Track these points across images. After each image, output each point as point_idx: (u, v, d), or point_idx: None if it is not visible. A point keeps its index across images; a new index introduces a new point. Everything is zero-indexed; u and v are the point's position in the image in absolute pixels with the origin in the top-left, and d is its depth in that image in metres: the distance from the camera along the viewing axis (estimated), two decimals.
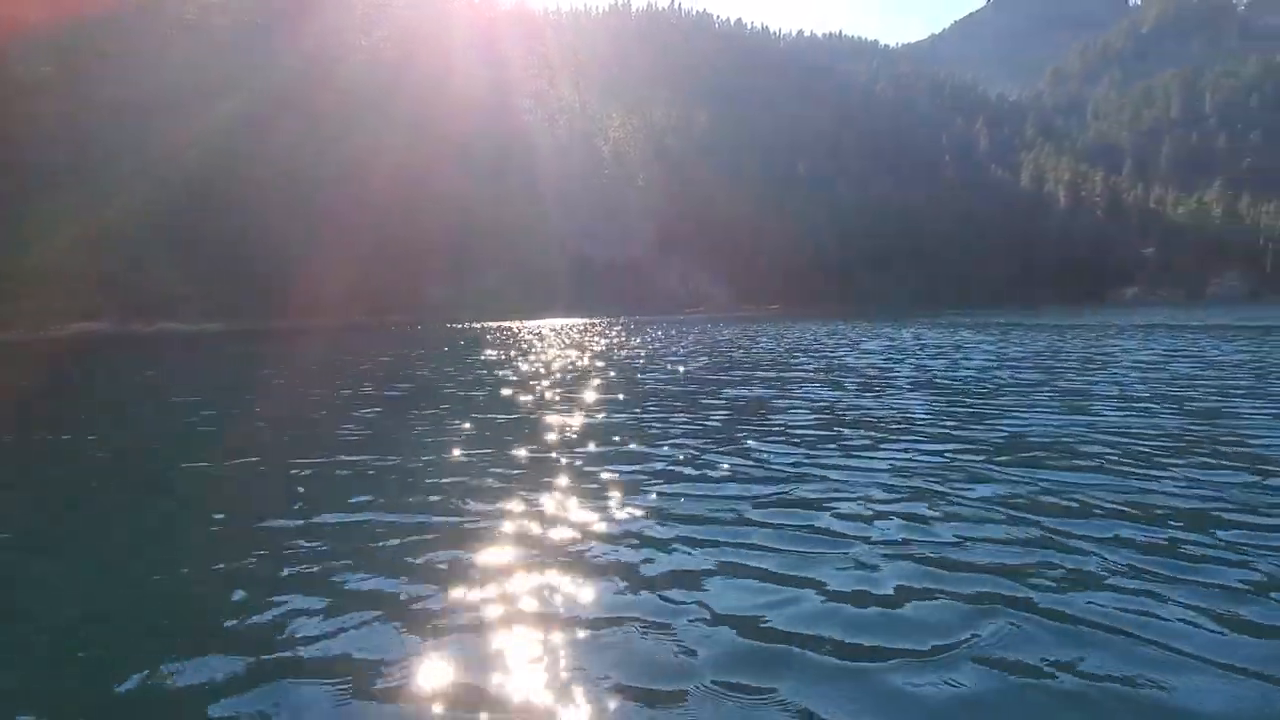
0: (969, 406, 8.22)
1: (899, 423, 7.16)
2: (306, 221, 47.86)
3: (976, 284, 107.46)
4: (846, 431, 6.75)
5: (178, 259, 42.19)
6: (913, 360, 14.55)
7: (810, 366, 13.66)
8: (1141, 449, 5.74)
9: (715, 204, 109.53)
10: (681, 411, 8.15)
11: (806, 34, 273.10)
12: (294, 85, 50.05)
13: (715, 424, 7.29)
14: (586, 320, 52.20)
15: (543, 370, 13.76)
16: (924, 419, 7.38)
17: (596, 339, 26.36)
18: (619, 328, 37.57)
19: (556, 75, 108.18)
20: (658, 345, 21.70)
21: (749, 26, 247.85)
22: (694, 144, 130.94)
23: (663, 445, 6.14)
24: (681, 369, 13.57)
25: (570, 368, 14.29)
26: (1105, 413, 7.61)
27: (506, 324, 46.46)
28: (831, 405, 8.42)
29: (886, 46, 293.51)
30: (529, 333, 33.24)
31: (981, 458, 5.49)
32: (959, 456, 5.56)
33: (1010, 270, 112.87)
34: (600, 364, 14.98)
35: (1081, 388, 9.70)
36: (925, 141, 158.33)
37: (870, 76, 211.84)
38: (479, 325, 45.01)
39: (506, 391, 10.37)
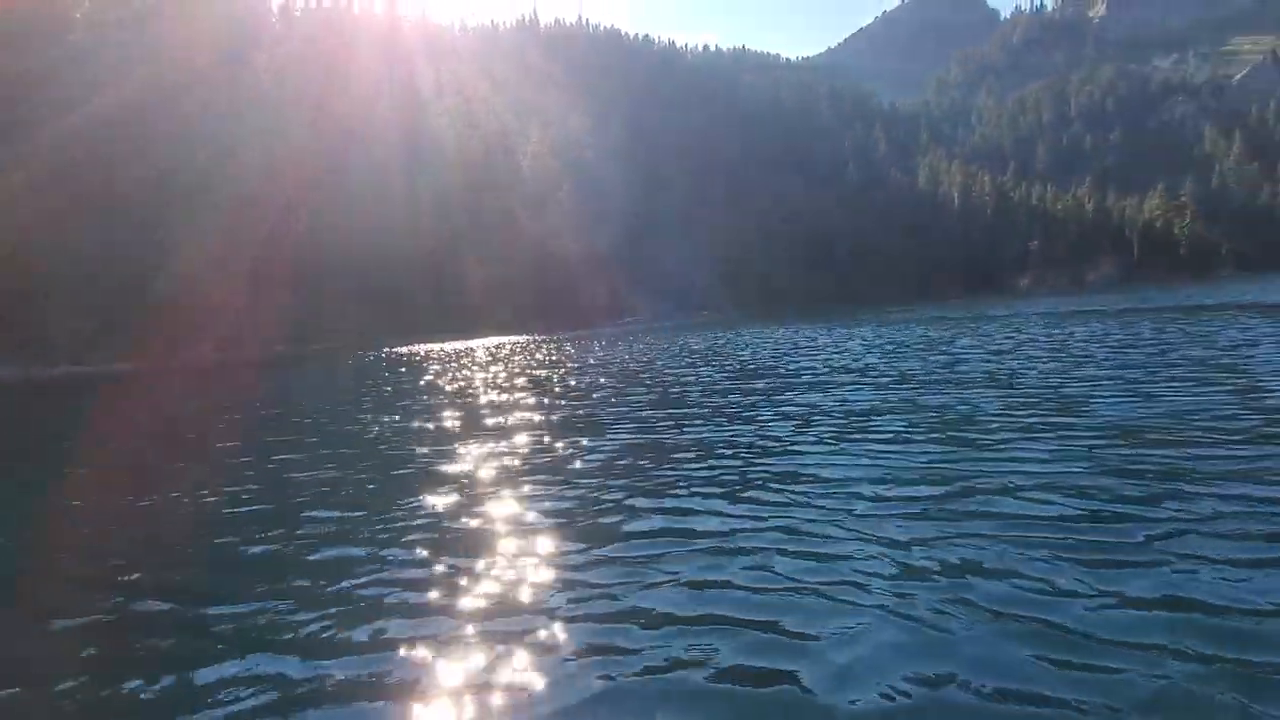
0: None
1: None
2: (211, 247, 44.96)
3: (888, 282, 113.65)
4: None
5: (75, 291, 38.64)
6: (871, 359, 15.40)
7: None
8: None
9: (638, 215, 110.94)
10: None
11: (712, 48, 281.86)
12: (187, 97, 47.07)
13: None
14: (514, 338, 51.44)
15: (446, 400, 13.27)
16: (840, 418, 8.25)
17: (511, 362, 24.68)
18: (546, 344, 37.26)
19: (470, 90, 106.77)
20: (579, 365, 21.28)
21: (657, 42, 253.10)
22: (612, 156, 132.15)
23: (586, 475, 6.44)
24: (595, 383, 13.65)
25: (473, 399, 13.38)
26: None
27: (431, 346, 45.22)
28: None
29: (788, 59, 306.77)
30: (451, 356, 32.49)
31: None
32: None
33: (917, 267, 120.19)
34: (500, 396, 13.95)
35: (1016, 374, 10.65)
36: (829, 148, 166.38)
37: (775, 88, 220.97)
38: (402, 350, 43.64)
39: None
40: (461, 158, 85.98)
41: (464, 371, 20.67)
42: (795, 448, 6.83)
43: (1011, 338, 18.43)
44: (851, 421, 7.95)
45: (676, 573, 3.83)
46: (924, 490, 5.08)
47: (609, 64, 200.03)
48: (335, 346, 48.24)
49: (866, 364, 14.04)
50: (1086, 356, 12.75)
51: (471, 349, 37.91)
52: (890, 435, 7.03)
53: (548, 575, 3.95)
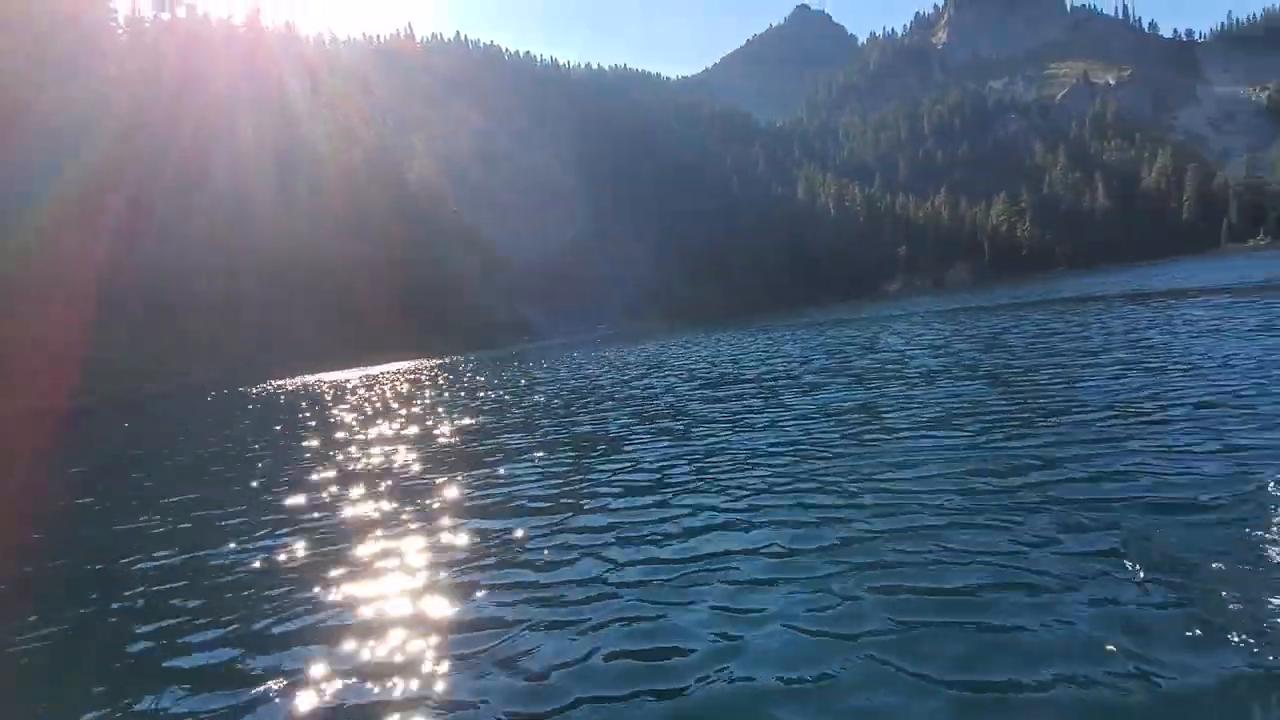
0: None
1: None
2: (40, 270, 39.66)
3: (777, 290, 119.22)
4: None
5: None
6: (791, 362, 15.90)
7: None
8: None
9: (534, 232, 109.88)
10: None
11: (595, 66, 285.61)
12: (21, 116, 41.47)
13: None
14: (405, 364, 49.10)
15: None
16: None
17: (381, 397, 21.54)
18: (436, 371, 35.63)
19: (347, 104, 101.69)
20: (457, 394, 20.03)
21: (539, 59, 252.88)
22: (503, 172, 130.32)
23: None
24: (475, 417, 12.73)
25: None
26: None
27: (318, 377, 42.31)
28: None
29: (667, 79, 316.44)
30: (325, 389, 30.58)
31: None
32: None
33: (803, 275, 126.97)
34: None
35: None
36: (714, 165, 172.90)
37: (660, 107, 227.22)
38: (285, 382, 40.55)
39: None
40: (341, 173, 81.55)
41: (318, 413, 18.15)
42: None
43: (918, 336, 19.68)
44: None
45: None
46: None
47: (490, 80, 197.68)
48: (195, 383, 43.73)
49: (765, 373, 14.45)
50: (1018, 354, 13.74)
51: (349, 380, 35.68)
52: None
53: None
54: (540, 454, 8.27)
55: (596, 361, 25.46)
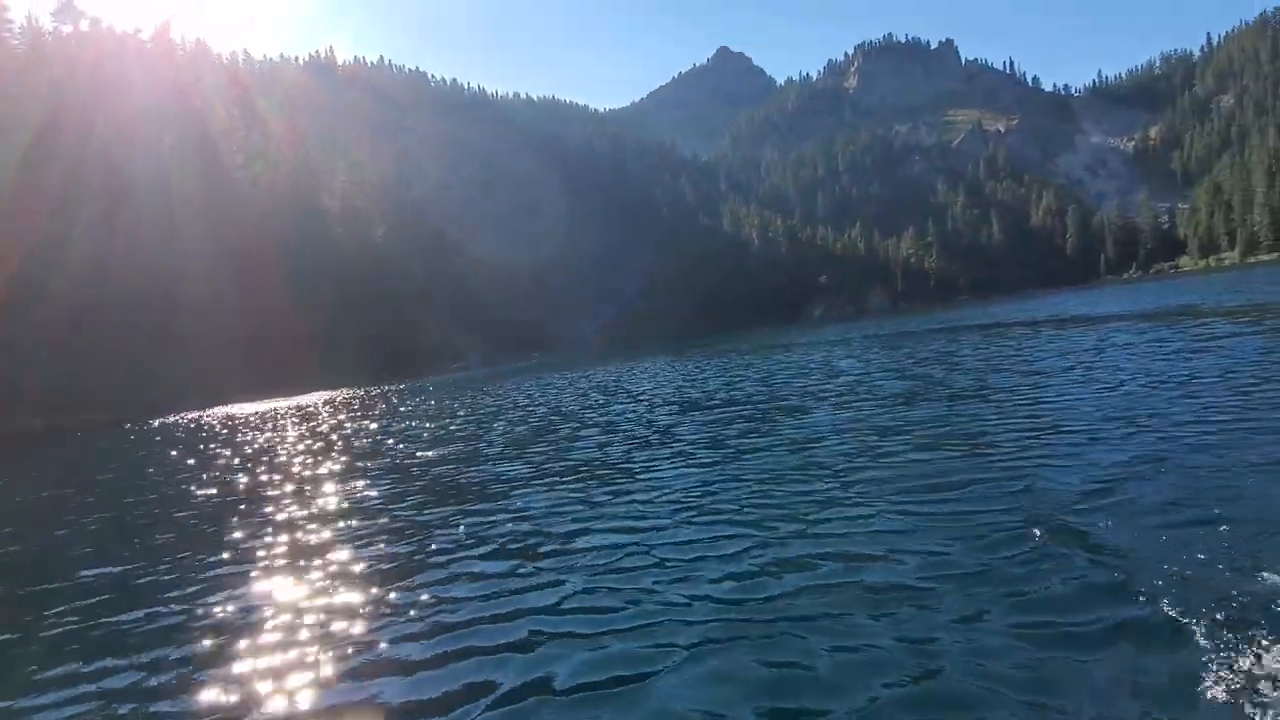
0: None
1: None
2: None
3: (711, 316, 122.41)
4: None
5: None
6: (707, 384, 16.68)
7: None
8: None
9: (466, 260, 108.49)
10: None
11: (523, 96, 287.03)
12: None
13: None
14: (330, 394, 47.19)
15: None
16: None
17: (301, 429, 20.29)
18: (360, 402, 34.39)
19: (265, 126, 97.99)
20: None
21: (467, 87, 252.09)
22: (429, 198, 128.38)
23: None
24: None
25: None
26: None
27: (230, 409, 40.24)
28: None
29: (596, 110, 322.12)
30: (239, 423, 29.51)
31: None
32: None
33: (732, 300, 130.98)
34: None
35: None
36: (643, 195, 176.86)
37: (588, 137, 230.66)
38: (194, 416, 38.33)
39: None
40: (259, 195, 78.26)
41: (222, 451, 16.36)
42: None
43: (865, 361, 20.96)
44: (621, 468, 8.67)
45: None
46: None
47: (416, 105, 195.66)
48: (103, 419, 40.52)
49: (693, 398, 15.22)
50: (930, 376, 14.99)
51: (284, 410, 34.25)
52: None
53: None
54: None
55: (542, 389, 25.63)
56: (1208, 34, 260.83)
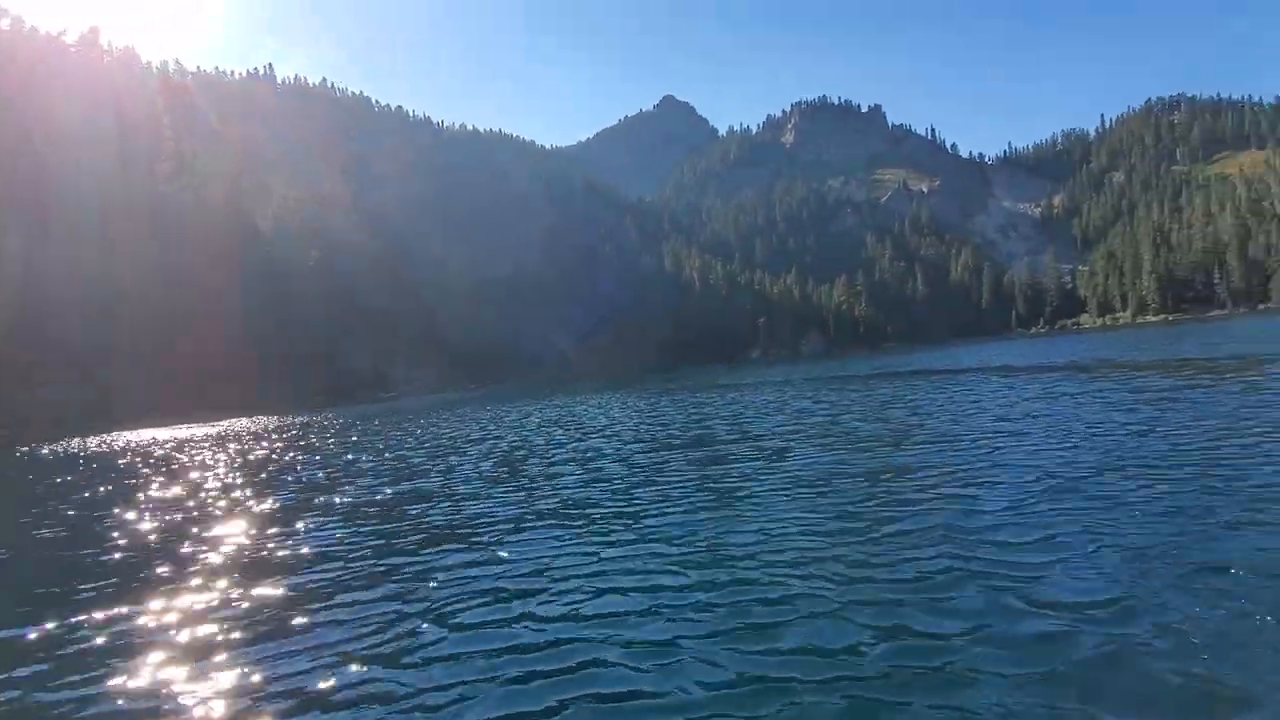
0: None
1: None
2: None
3: (645, 355, 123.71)
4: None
5: None
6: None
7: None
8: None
9: (401, 285, 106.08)
10: None
11: (469, 127, 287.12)
12: None
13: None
14: (242, 420, 44.74)
15: None
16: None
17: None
18: (272, 428, 32.98)
19: (196, 141, 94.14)
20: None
21: (412, 114, 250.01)
22: (368, 224, 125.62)
23: None
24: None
25: None
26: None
27: (145, 434, 37.74)
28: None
29: (543, 146, 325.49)
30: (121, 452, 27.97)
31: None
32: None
33: (668, 342, 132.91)
34: None
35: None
36: (588, 232, 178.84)
37: (534, 171, 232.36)
38: (100, 440, 35.72)
39: None
40: (192, 209, 74.63)
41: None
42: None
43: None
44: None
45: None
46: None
47: (358, 129, 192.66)
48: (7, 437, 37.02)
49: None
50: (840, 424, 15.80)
51: (196, 438, 32.36)
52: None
53: None
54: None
55: (478, 422, 25.32)
56: (1101, 115, 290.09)
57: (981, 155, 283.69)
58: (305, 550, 6.92)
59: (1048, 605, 3.95)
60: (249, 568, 6.42)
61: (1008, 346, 60.04)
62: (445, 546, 6.68)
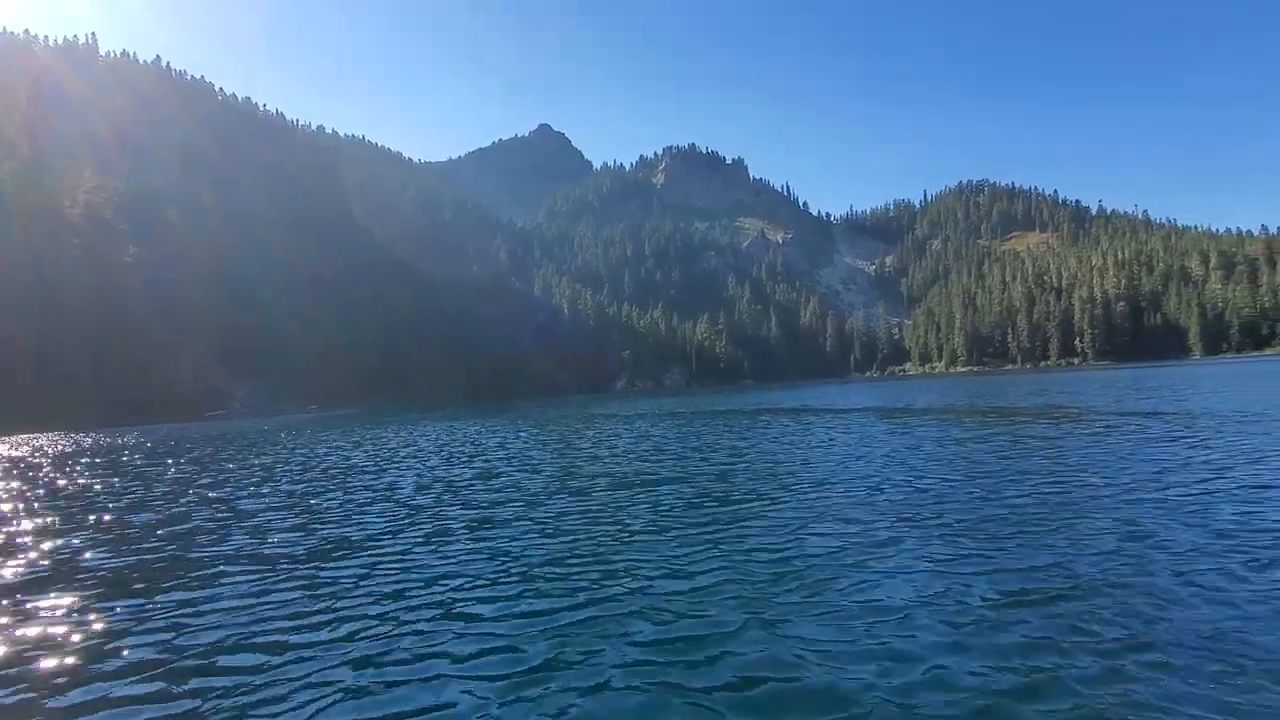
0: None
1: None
2: None
3: (507, 379, 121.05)
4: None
5: None
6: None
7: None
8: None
9: (240, 291, 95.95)
10: None
11: (329, 130, 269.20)
12: None
13: None
14: (34, 437, 38.23)
15: None
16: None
17: None
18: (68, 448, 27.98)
19: None
20: None
21: (262, 108, 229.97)
22: (203, 223, 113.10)
23: None
24: None
25: None
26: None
27: None
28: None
29: (410, 159, 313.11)
30: None
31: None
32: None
33: (533, 367, 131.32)
34: None
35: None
36: (453, 250, 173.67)
37: (399, 183, 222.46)
38: None
39: None
40: None
41: None
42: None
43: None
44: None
45: None
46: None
47: (194, 117, 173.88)
48: None
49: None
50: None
51: None
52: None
53: None
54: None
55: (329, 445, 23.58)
56: (924, 191, 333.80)
57: (829, 214, 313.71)
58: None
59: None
60: None
61: (843, 389, 66.02)
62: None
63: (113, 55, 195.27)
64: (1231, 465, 9.44)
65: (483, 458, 16.06)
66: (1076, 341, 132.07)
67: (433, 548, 7.04)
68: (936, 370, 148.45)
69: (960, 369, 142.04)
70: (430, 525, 8.24)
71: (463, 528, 7.99)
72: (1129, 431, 14.16)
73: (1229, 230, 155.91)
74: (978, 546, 5.93)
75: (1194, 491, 7.85)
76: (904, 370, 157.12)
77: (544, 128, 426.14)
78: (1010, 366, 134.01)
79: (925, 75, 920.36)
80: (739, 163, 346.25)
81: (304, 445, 23.81)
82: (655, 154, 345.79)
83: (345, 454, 19.13)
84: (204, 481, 14.35)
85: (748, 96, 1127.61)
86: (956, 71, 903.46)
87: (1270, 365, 57.81)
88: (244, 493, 12.20)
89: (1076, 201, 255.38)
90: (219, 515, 9.90)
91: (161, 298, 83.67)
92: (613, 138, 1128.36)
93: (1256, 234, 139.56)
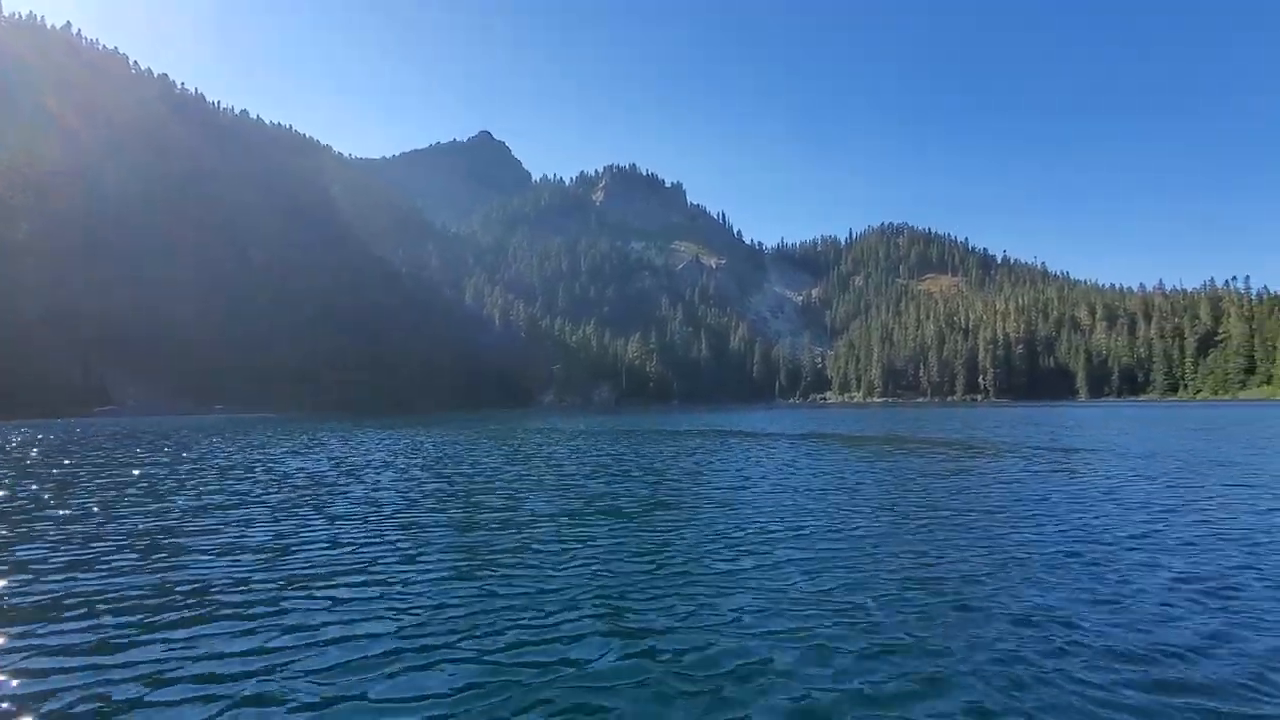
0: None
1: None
2: None
3: (433, 389, 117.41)
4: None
5: None
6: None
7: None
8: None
9: (135, 279, 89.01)
10: None
11: (253, 115, 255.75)
12: None
13: None
14: None
15: None
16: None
17: None
18: None
19: None
20: None
21: (180, 85, 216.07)
22: (110, 203, 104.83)
23: None
24: None
25: None
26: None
27: None
28: None
29: (342, 154, 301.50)
30: None
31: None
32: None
33: (460, 378, 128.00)
34: None
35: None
36: (380, 251, 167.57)
37: (323, 178, 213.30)
38: None
39: None
40: None
41: None
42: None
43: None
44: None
45: None
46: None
47: (102, 92, 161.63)
48: None
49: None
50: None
51: None
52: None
53: None
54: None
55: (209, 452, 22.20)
56: (850, 228, 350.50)
57: (761, 244, 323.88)
58: None
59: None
60: None
61: (776, 413, 67.82)
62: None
63: (18, 16, 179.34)
64: (1096, 493, 10.31)
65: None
66: (980, 379, 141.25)
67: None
68: (855, 399, 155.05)
69: (876, 399, 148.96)
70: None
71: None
72: (1012, 463, 15.24)
73: (1112, 285, 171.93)
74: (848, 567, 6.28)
75: (1067, 514, 8.51)
76: (825, 398, 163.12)
77: (485, 134, 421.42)
78: (921, 399, 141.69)
79: (853, 120, 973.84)
80: (678, 186, 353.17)
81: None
82: (596, 171, 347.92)
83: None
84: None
85: (690, 124, 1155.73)
86: (878, 119, 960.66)
87: (1145, 410, 63.66)
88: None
89: (984, 250, 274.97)
90: None
91: (48, 280, 76.64)
92: (554, 151, 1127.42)
93: (1135, 290, 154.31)
